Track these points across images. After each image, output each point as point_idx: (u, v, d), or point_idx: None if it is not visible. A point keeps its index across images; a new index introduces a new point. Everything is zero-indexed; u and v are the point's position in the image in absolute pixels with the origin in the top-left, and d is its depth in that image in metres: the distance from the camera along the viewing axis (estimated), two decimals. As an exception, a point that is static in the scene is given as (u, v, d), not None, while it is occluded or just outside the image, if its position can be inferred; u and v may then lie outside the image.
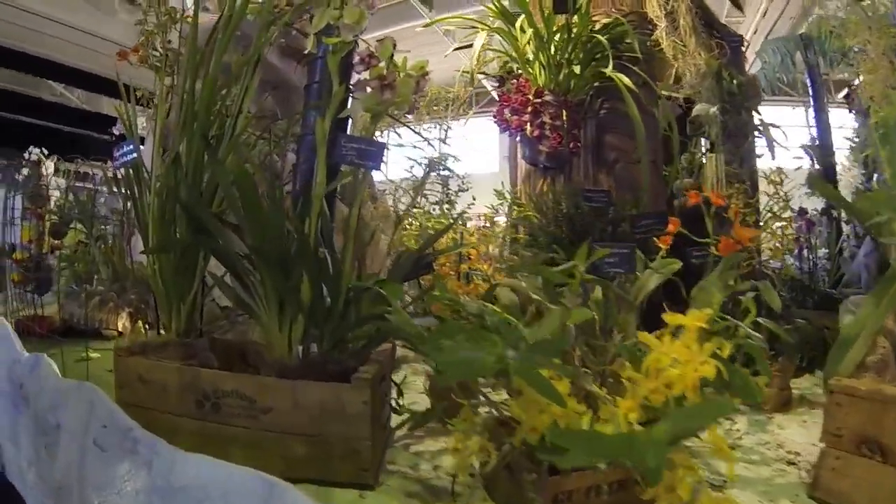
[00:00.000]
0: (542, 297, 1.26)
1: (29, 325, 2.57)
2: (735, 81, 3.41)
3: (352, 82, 1.38)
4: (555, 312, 1.04)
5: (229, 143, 1.19)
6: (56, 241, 4.05)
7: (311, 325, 1.16)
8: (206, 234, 1.18)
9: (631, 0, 3.11)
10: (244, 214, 1.08)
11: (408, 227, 2.06)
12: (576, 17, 2.60)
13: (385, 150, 1.12)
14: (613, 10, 3.05)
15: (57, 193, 4.89)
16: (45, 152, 8.42)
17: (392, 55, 1.20)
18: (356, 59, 1.17)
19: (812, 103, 5.32)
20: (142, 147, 1.39)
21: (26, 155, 4.23)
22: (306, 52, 1.24)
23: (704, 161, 3.73)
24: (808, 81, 5.56)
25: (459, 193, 3.05)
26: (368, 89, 1.18)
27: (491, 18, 2.84)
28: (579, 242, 2.27)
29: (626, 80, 2.51)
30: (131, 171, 1.35)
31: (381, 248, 1.91)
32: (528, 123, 2.44)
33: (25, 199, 3.44)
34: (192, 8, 1.40)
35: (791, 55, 6.46)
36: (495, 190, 2.09)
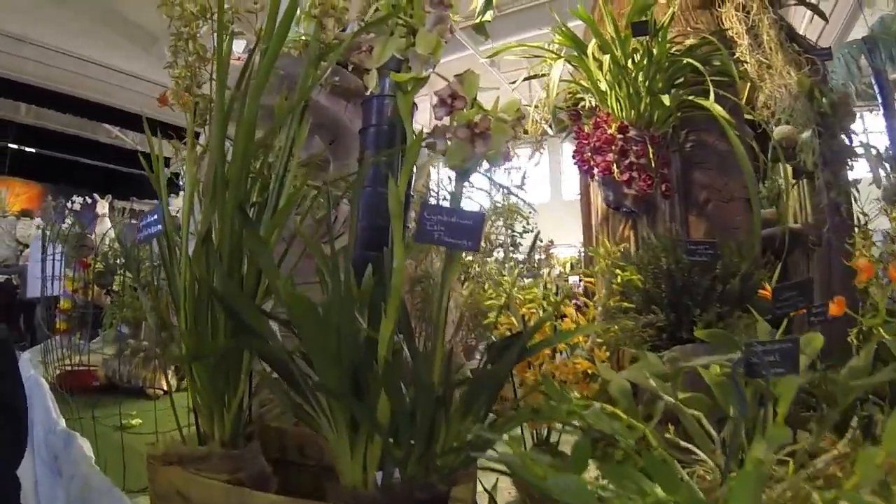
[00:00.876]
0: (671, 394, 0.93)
1: (70, 380, 2.39)
2: (826, 100, 3.02)
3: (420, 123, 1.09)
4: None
5: (274, 215, 0.90)
6: (102, 290, 3.94)
7: (392, 446, 0.85)
8: (251, 333, 0.90)
9: (706, 17, 2.78)
10: (302, 335, 0.79)
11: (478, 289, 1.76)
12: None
13: (483, 222, 0.81)
14: (689, 28, 2.72)
15: (105, 236, 4.80)
16: (92, 197, 8.52)
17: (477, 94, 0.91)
18: (435, 99, 0.87)
19: (882, 110, 4.84)
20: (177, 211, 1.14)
21: (69, 204, 4.14)
22: (368, 91, 0.96)
23: (784, 186, 3.35)
24: (875, 87, 5.09)
25: (524, 235, 2.72)
26: (448, 136, 0.89)
27: (557, 45, 2.54)
28: (680, 304, 1.96)
29: (719, 108, 2.16)
30: (162, 242, 1.08)
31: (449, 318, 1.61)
32: (615, 164, 2.11)
33: (70, 249, 3.30)
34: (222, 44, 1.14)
35: (857, 61, 5.98)
36: (589, 249, 1.77)
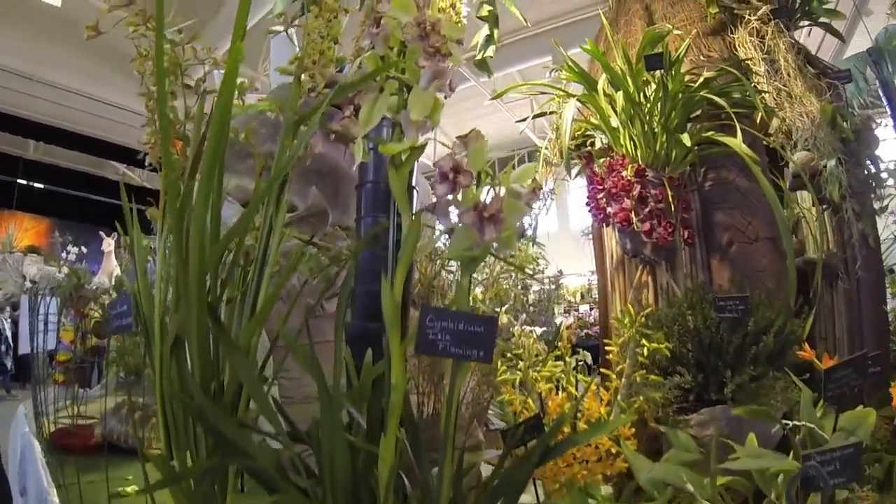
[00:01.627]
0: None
1: (65, 440, 2.24)
2: (848, 125, 2.86)
3: (420, 195, 0.95)
4: None
5: (252, 317, 0.75)
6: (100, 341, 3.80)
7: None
8: (233, 449, 0.74)
9: (719, 44, 2.65)
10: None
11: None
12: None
13: (496, 327, 0.65)
14: (702, 57, 2.59)
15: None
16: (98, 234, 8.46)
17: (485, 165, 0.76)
18: (436, 174, 0.72)
19: (892, 122, 4.67)
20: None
21: (64, 254, 4.03)
22: (357, 162, 0.81)
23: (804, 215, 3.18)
24: (883, 99, 4.93)
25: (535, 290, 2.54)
26: (452, 211, 0.74)
27: (564, 80, 2.41)
28: (708, 363, 1.78)
29: (742, 145, 2.00)
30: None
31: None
32: (633, 212, 1.95)
33: (66, 300, 3.18)
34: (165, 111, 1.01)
35: (864, 74, 5.83)
36: (616, 318, 1.59)
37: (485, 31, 2.45)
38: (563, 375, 1.30)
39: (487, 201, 0.72)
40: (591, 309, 11.20)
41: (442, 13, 1.73)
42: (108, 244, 8.70)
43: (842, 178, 2.70)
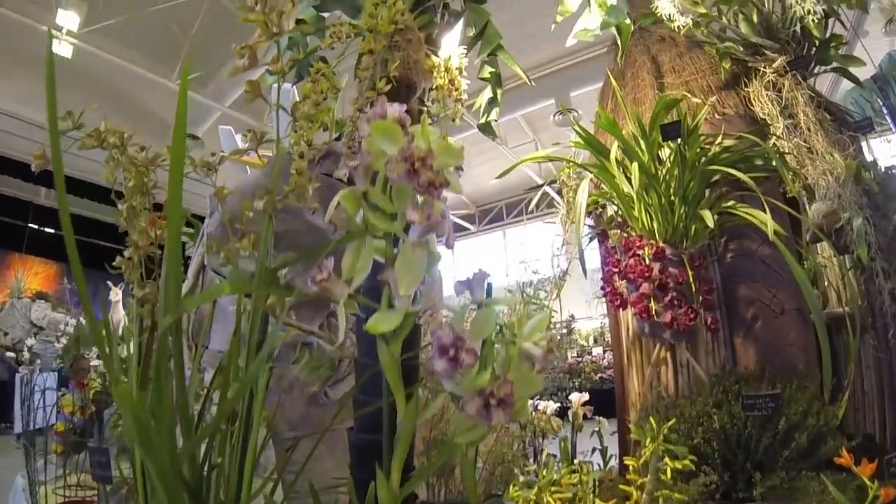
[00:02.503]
0: None
1: None
2: (870, 174, 2.73)
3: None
4: None
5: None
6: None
7: None
8: None
9: (734, 100, 2.54)
10: None
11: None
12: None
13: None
14: (717, 116, 2.48)
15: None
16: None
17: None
18: (434, 346, 0.59)
19: None
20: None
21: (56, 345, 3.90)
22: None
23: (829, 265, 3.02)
24: (891, 124, 4.80)
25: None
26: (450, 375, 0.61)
27: (573, 148, 2.30)
28: (735, 462, 1.63)
29: (766, 219, 1.88)
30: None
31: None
32: (652, 298, 1.81)
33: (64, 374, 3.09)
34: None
35: (871, 103, 5.71)
36: (635, 427, 1.45)
37: (487, 92, 2.36)
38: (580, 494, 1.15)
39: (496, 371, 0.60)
40: (605, 351, 10.98)
41: (440, 90, 1.64)
42: (116, 294, 8.66)
43: (870, 238, 2.55)
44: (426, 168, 0.62)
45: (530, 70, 9.20)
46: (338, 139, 2.19)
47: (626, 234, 2.14)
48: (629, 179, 2.17)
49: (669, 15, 2.21)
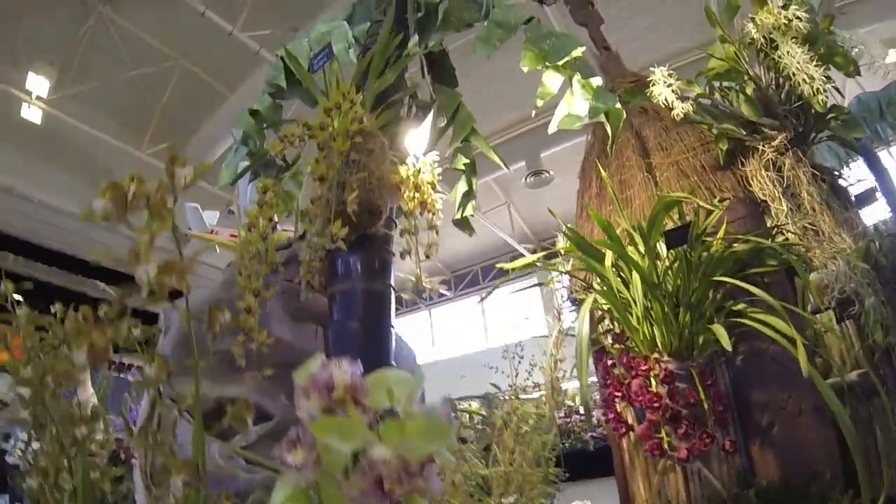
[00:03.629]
0: None
1: None
2: (878, 244, 2.51)
3: None
4: None
5: None
6: None
7: None
8: None
9: (731, 181, 2.32)
10: None
11: None
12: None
13: None
14: (716, 201, 2.26)
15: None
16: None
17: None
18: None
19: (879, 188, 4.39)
20: None
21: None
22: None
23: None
24: (865, 165, 4.67)
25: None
26: None
27: (563, 252, 2.05)
28: None
29: (782, 326, 1.62)
30: None
31: None
32: (663, 430, 1.53)
33: None
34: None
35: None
36: None
37: (462, 185, 2.12)
38: None
39: None
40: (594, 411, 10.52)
41: (409, 216, 1.38)
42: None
43: (886, 320, 2.31)
44: (399, 481, 0.35)
45: (498, 133, 9.09)
46: (301, 238, 1.93)
47: (624, 348, 1.87)
48: (626, 283, 1.92)
49: (667, 102, 2.00)
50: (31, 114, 7.41)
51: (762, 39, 2.00)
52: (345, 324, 1.43)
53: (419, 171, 1.37)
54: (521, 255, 12.99)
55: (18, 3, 6.68)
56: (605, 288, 1.97)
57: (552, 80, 1.91)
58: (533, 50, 1.83)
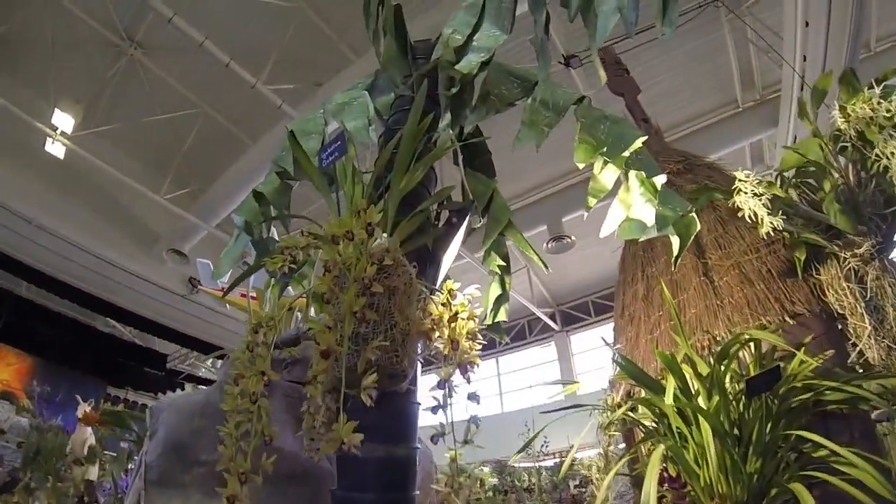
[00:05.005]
0: None
1: None
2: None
3: None
4: None
5: None
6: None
7: None
8: None
9: (804, 292, 1.94)
10: None
11: None
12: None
13: None
14: (787, 318, 1.87)
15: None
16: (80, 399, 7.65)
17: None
18: None
19: None
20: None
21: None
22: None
23: None
24: None
25: None
26: None
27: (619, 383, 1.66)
28: None
29: (868, 476, 1.21)
30: None
31: None
32: None
33: None
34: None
35: None
36: None
37: (495, 288, 1.75)
38: None
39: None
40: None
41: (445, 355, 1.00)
42: (83, 410, 7.74)
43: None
44: None
45: (520, 195, 8.78)
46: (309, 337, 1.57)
47: (680, 494, 1.46)
48: (684, 416, 1.52)
49: (756, 216, 1.63)
50: (55, 149, 7.25)
51: (853, 132, 1.65)
52: (355, 499, 1.05)
53: (455, 315, 1.01)
54: (539, 320, 12.66)
55: (53, 39, 6.59)
56: (664, 425, 1.57)
57: (607, 175, 1.55)
58: (589, 141, 1.48)
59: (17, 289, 10.80)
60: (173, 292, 8.74)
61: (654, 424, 1.75)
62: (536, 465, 10.37)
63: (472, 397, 1.15)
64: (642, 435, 1.84)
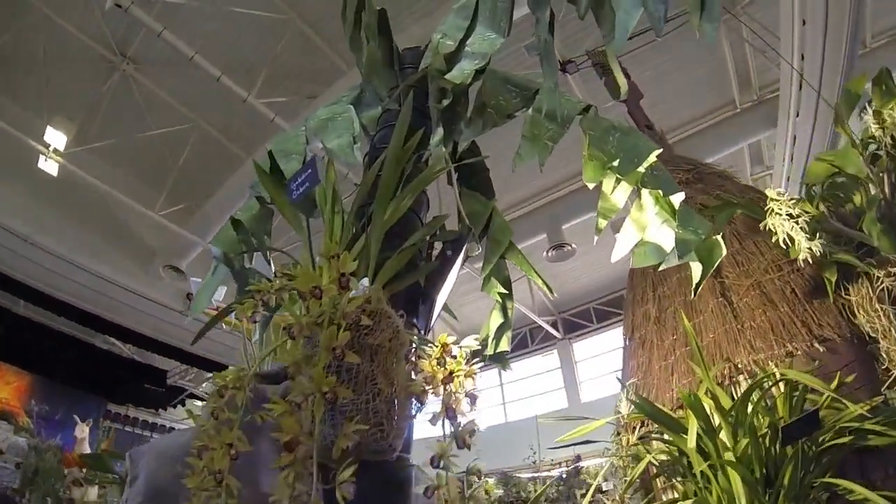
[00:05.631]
0: None
1: None
2: None
3: None
4: None
5: None
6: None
7: None
8: None
9: (833, 315, 1.75)
10: None
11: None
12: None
13: None
14: (816, 345, 1.67)
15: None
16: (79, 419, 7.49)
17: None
18: None
19: None
20: None
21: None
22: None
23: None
24: None
25: None
26: None
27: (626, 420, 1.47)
28: None
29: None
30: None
31: None
32: None
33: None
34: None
35: None
36: None
37: (496, 317, 1.56)
38: None
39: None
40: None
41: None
42: (82, 430, 7.54)
43: None
44: None
45: (518, 204, 8.52)
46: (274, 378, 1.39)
47: None
48: (705, 454, 1.33)
49: (791, 241, 1.45)
50: (48, 166, 7.07)
51: (889, 140, 1.47)
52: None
53: (451, 375, 0.83)
54: (541, 328, 12.41)
55: (46, 56, 6.42)
56: (684, 466, 1.38)
57: (619, 192, 1.37)
58: (598, 157, 1.30)
59: (15, 307, 10.60)
60: (171, 308, 8.53)
61: (667, 458, 1.57)
62: (541, 474, 10.14)
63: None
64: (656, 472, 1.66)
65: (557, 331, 12.13)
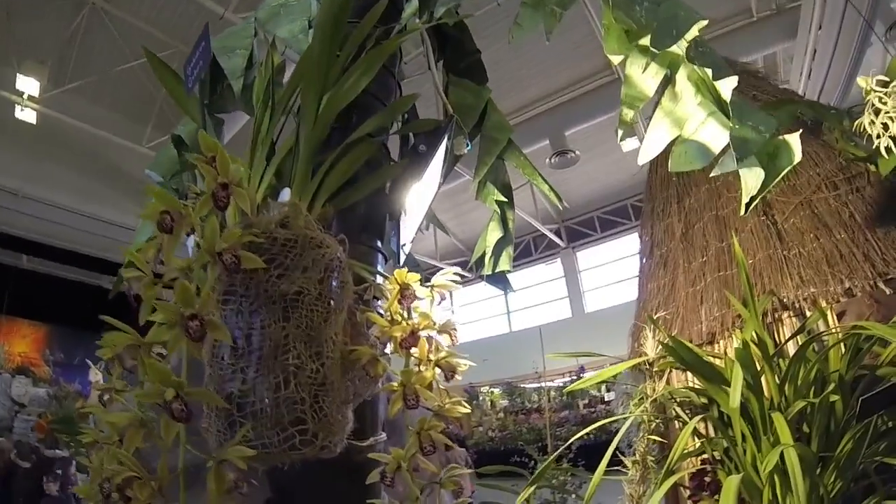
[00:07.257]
0: None
1: None
2: None
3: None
4: None
5: None
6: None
7: None
8: None
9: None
10: None
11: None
12: None
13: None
14: (878, 280, 1.36)
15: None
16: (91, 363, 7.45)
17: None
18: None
19: None
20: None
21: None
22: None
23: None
24: None
25: None
26: None
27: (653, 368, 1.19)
28: None
29: None
30: None
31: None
32: None
33: None
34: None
35: None
36: None
37: (494, 230, 1.26)
38: None
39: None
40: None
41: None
42: (96, 374, 7.51)
43: None
44: None
45: (521, 109, 7.91)
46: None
47: None
48: (749, 416, 1.07)
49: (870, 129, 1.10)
50: (26, 115, 6.65)
51: None
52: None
53: (415, 333, 0.53)
54: (544, 236, 12.05)
55: (5, 4, 5.85)
56: (725, 435, 1.11)
57: (649, 77, 1.03)
58: (624, 24, 0.95)
59: (19, 262, 10.45)
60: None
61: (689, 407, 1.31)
62: (544, 384, 10.18)
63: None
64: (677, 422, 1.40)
65: (561, 239, 11.79)
